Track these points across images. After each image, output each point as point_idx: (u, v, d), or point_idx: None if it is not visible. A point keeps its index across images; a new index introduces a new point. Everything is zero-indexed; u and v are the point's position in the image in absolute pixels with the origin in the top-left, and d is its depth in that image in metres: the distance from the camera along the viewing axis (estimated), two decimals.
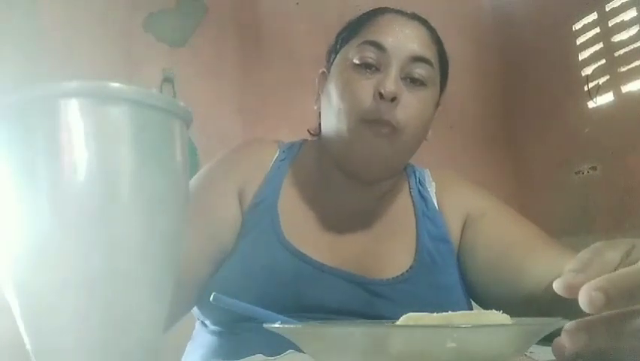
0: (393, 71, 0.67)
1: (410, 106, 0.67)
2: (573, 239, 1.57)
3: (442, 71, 0.74)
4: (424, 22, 0.74)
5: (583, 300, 0.31)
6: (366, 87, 0.67)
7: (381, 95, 0.65)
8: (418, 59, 0.68)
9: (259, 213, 0.71)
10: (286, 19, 1.80)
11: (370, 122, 0.66)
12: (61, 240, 0.24)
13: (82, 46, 1.54)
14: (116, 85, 0.24)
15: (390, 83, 0.65)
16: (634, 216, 1.49)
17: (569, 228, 1.64)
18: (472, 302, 0.76)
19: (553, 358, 0.36)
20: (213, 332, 0.68)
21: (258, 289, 0.63)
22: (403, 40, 0.69)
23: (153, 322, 0.28)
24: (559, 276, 0.45)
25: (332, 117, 0.70)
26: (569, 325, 0.34)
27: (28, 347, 0.26)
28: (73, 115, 0.24)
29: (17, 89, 0.24)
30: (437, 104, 0.75)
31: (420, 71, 0.69)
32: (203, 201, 0.70)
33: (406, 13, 0.74)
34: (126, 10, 1.63)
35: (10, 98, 0.24)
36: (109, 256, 0.25)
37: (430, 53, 0.71)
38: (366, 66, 0.68)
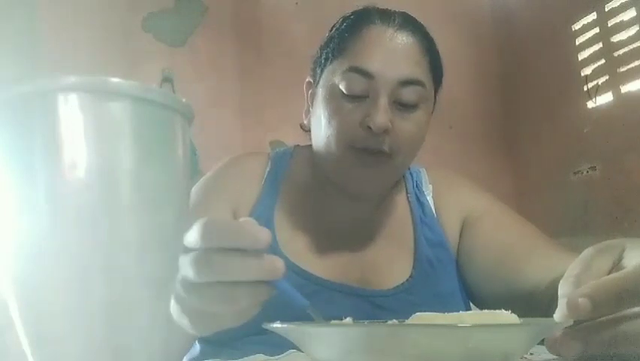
0: (382, 101, 0.63)
1: (403, 132, 0.65)
2: (572, 239, 1.57)
3: (435, 75, 0.70)
4: (413, 29, 0.68)
5: (570, 307, 0.32)
6: (354, 117, 0.64)
7: (370, 128, 0.63)
8: (407, 83, 0.65)
9: None
10: (286, 19, 1.80)
11: (360, 150, 0.65)
12: (60, 237, 0.24)
13: (81, 45, 1.53)
14: (116, 80, 0.24)
15: (380, 116, 0.62)
16: (633, 217, 1.49)
17: (568, 228, 1.65)
18: (471, 304, 0.76)
19: (553, 358, 0.37)
20: (212, 344, 0.67)
21: (262, 308, 0.62)
22: (391, 61, 0.64)
23: (153, 321, 0.27)
24: (557, 277, 0.45)
25: (321, 142, 0.68)
26: (563, 334, 0.34)
27: (25, 347, 0.26)
28: (73, 110, 0.23)
29: (16, 83, 0.23)
30: (432, 111, 0.73)
31: (410, 95, 0.65)
32: None
33: (394, 21, 0.68)
34: (125, 9, 1.63)
35: (10, 93, 0.24)
36: (108, 254, 0.25)
37: (421, 71, 0.66)
38: (353, 94, 0.65)
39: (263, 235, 0.35)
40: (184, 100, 0.27)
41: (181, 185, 0.28)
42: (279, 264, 0.36)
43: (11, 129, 0.24)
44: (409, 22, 0.69)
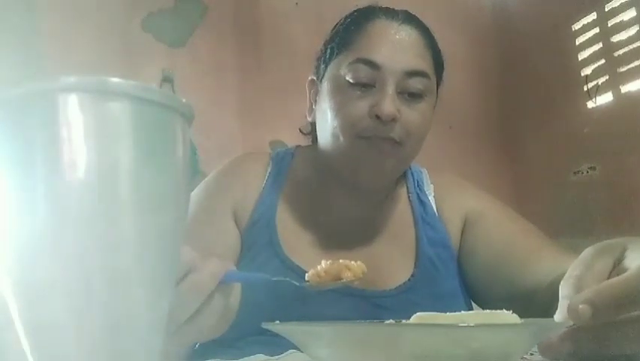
0: (390, 90, 0.64)
1: (410, 121, 0.66)
2: (572, 239, 1.57)
3: (437, 70, 0.72)
4: (417, 25, 0.70)
5: (571, 313, 0.32)
6: (361, 107, 0.65)
7: (378, 117, 0.64)
8: (413, 74, 0.66)
9: (257, 231, 0.70)
10: (286, 19, 1.80)
11: (368, 138, 0.65)
12: (59, 237, 0.24)
13: (80, 45, 1.53)
14: (116, 80, 0.24)
15: (388, 105, 0.63)
16: (633, 217, 1.49)
17: (568, 228, 1.64)
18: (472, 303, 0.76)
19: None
20: (212, 343, 0.67)
21: (261, 309, 0.62)
22: (397, 53, 0.66)
23: (153, 322, 0.27)
24: (557, 277, 0.45)
25: (328, 135, 0.69)
26: (555, 336, 0.34)
27: (25, 347, 0.26)
28: (73, 110, 0.23)
29: (16, 84, 0.23)
30: (435, 105, 0.74)
31: (416, 85, 0.66)
32: (201, 229, 0.68)
33: (398, 16, 0.70)
34: (125, 9, 1.63)
35: (9, 93, 0.24)
36: (108, 255, 0.25)
37: (425, 63, 0.68)
38: (360, 84, 0.66)
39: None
40: (184, 100, 0.27)
41: (181, 185, 0.28)
42: (207, 273, 0.37)
43: (11, 129, 0.24)
44: (412, 18, 0.71)
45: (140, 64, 1.60)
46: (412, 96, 0.67)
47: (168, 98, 0.26)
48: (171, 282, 0.28)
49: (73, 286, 0.24)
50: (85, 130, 0.23)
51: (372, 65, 0.66)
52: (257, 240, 0.69)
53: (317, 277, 0.45)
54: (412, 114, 0.66)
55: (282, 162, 0.78)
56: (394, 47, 0.67)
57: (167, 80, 1.63)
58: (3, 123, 0.24)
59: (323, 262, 0.45)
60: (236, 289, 0.42)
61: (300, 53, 1.70)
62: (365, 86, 0.66)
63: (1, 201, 0.25)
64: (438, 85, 0.74)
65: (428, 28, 0.72)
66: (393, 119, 0.64)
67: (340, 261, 0.45)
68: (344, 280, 0.43)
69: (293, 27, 1.77)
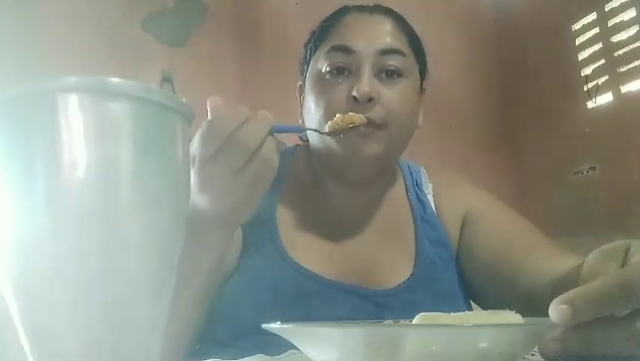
0: (366, 71, 0.66)
1: (391, 100, 0.66)
2: (572, 239, 1.57)
3: (418, 57, 0.73)
4: (389, 13, 0.72)
5: (552, 313, 0.32)
6: (339, 92, 0.66)
7: (355, 99, 0.64)
8: (387, 52, 0.67)
9: (257, 228, 0.70)
10: (286, 19, 1.80)
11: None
12: (59, 237, 0.24)
13: (80, 46, 1.53)
14: (116, 80, 0.24)
15: (364, 84, 0.64)
16: (634, 216, 1.49)
17: (568, 228, 1.64)
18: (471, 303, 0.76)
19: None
20: (212, 343, 0.67)
21: (264, 308, 0.62)
22: (369, 37, 0.68)
23: (153, 321, 0.27)
24: (556, 277, 0.44)
25: (314, 127, 0.69)
26: (548, 336, 0.35)
27: (25, 346, 0.26)
28: (73, 110, 0.23)
29: (16, 84, 0.23)
30: (421, 91, 0.74)
31: (393, 62, 0.67)
32: None
33: (369, 8, 0.73)
34: (125, 9, 1.63)
35: (9, 93, 0.24)
36: (108, 255, 0.25)
37: (400, 43, 0.69)
38: (337, 72, 0.67)
39: (234, 110, 0.48)
40: (184, 100, 0.27)
41: (181, 185, 0.28)
42: (265, 116, 0.49)
43: (11, 129, 0.24)
44: (382, 8, 0.73)
45: (140, 64, 1.60)
46: (389, 76, 0.67)
47: (168, 98, 0.26)
48: (172, 280, 0.28)
49: (73, 285, 0.24)
50: (85, 130, 0.23)
51: (345, 49, 0.67)
52: (258, 237, 0.69)
53: (336, 125, 0.61)
54: (391, 93, 0.67)
55: (282, 160, 0.78)
56: (366, 32, 0.69)
57: (167, 80, 1.63)
58: (3, 123, 0.24)
59: (337, 115, 0.61)
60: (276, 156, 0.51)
61: (300, 53, 1.70)
62: (342, 74, 0.67)
63: (1, 201, 0.25)
64: (422, 73, 0.74)
65: (402, 16, 0.73)
66: (371, 99, 0.64)
67: (349, 113, 0.61)
68: (356, 123, 0.61)
69: (293, 27, 1.77)
